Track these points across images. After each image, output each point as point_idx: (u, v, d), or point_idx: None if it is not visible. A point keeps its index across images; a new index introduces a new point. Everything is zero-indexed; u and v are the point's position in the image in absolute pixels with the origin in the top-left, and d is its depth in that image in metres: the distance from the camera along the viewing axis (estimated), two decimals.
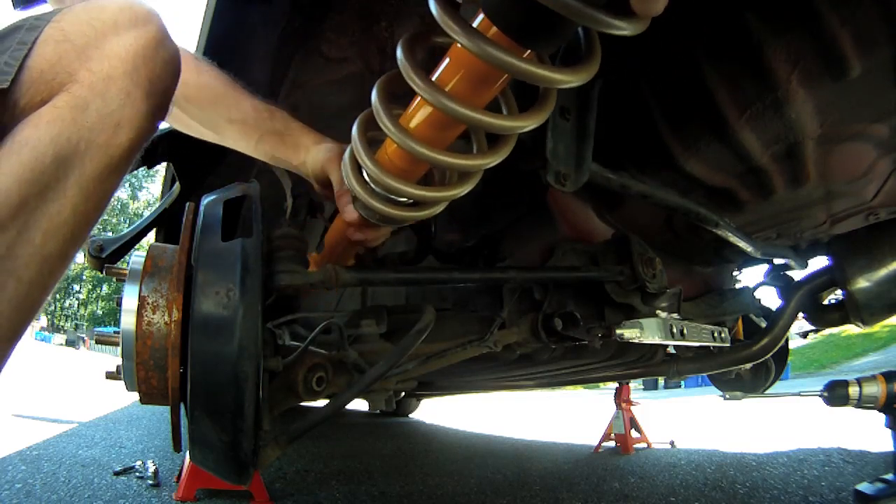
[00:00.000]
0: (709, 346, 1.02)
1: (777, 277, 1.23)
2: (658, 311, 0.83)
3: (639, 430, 2.72)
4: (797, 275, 1.21)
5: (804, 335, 1.53)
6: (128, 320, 0.54)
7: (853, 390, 1.27)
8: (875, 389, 1.26)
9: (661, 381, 11.38)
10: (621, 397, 2.71)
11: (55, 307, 37.01)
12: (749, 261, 1.16)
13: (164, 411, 0.82)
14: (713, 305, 1.10)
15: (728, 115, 0.68)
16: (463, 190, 0.56)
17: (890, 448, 1.27)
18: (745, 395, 1.71)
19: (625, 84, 0.74)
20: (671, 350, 1.33)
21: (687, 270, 1.10)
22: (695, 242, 0.97)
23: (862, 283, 1.05)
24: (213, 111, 0.74)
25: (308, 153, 0.70)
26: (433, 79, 0.46)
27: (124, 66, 0.47)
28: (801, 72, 0.63)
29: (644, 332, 0.78)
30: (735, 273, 1.24)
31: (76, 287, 37.33)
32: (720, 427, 3.63)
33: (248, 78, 1.20)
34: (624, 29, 0.34)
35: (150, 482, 1.65)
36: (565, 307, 0.89)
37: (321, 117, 0.74)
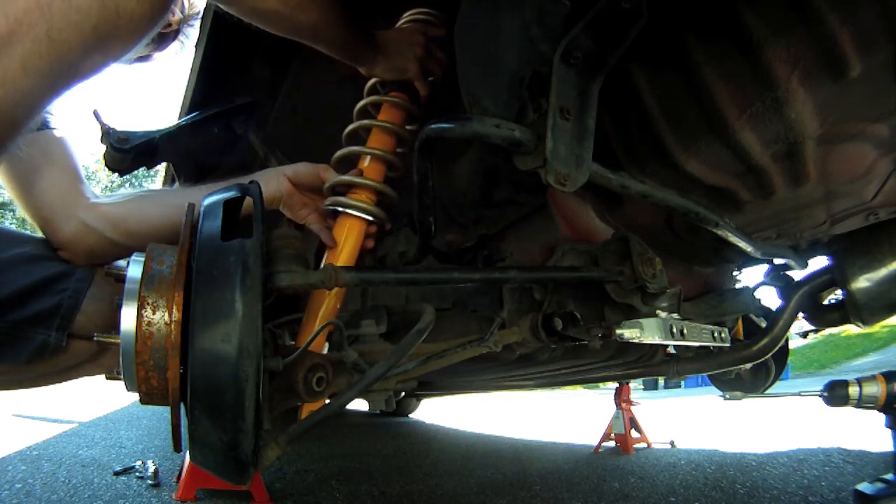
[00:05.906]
0: (709, 346, 1.02)
1: (777, 277, 1.23)
2: (658, 311, 0.83)
3: (639, 430, 2.72)
4: (797, 275, 1.21)
5: (804, 335, 1.53)
6: (128, 320, 0.54)
7: (853, 390, 1.27)
8: (875, 389, 1.26)
9: (661, 381, 11.37)
10: (621, 397, 2.71)
11: None
12: (749, 261, 1.16)
13: (164, 411, 0.82)
14: (713, 305, 1.10)
15: (728, 115, 0.68)
16: None
17: (890, 448, 1.27)
18: (745, 395, 1.71)
19: (624, 84, 0.74)
20: (671, 350, 1.33)
21: (687, 270, 1.10)
22: (695, 242, 0.97)
23: (862, 283, 1.05)
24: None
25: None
26: None
27: None
28: (801, 72, 0.63)
29: (644, 332, 0.78)
30: (735, 273, 1.24)
31: None
32: (720, 427, 3.63)
33: (248, 79, 1.20)
34: None
35: (150, 482, 1.65)
36: (565, 307, 0.89)
37: (320, 117, 0.74)
